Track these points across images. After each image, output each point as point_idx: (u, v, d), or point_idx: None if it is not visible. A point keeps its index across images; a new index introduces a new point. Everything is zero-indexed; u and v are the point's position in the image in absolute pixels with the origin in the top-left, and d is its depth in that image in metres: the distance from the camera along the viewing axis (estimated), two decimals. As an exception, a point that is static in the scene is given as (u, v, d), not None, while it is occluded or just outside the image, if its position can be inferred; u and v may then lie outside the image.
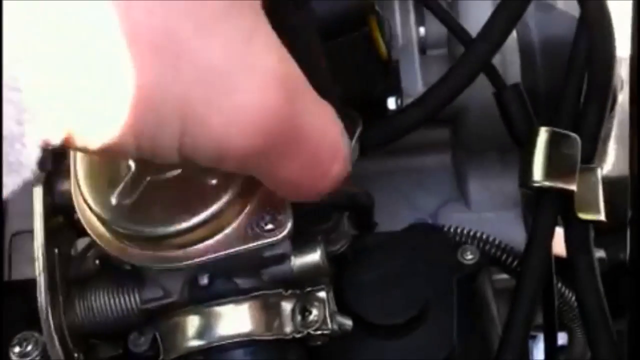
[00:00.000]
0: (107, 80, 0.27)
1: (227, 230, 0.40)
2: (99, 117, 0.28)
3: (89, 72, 0.27)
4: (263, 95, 0.30)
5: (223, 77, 0.29)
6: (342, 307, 0.47)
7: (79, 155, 0.41)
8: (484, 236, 0.62)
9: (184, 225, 0.39)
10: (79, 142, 0.28)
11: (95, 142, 0.29)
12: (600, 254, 0.66)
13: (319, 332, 0.44)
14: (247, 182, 0.39)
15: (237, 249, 0.40)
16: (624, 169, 0.53)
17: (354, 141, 0.45)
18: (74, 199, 0.42)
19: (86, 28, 0.26)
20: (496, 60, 0.52)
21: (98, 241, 0.42)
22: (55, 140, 0.27)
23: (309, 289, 0.45)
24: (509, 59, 0.65)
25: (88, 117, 0.28)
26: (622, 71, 0.62)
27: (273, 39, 0.31)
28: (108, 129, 0.28)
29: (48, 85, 0.26)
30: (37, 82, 0.26)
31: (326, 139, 0.35)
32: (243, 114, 0.30)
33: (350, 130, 0.42)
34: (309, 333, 0.44)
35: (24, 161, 0.25)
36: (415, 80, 0.67)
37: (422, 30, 0.69)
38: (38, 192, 0.43)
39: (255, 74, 0.30)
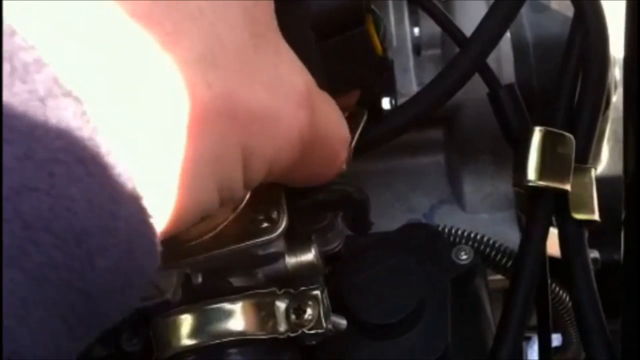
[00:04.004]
0: (179, 153, 0.27)
1: (221, 229, 0.40)
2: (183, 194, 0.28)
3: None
4: (298, 116, 0.33)
5: (270, 112, 0.31)
6: (337, 306, 0.46)
7: None
8: (478, 236, 0.62)
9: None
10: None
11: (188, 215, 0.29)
12: (594, 254, 0.66)
13: (313, 332, 0.44)
14: None
15: (231, 247, 0.40)
16: (618, 169, 0.53)
17: (358, 132, 0.46)
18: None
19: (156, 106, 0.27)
20: (490, 60, 0.52)
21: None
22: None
23: (303, 288, 0.45)
24: (503, 59, 0.65)
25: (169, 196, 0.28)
26: (616, 71, 0.62)
27: (291, 55, 0.34)
28: (197, 200, 0.29)
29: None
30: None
31: (338, 132, 0.37)
32: (287, 137, 0.32)
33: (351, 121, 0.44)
34: (303, 332, 0.44)
35: None
36: (410, 81, 0.68)
37: (416, 30, 0.69)
38: None
39: (289, 98, 0.32)
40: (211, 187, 0.29)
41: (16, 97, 0.22)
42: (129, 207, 0.24)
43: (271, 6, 0.33)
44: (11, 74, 0.22)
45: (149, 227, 0.26)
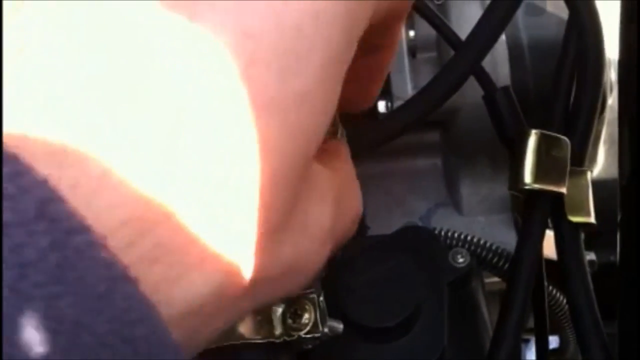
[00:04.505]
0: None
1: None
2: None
3: None
4: (322, 253, 0.32)
5: (296, 265, 0.30)
6: (333, 310, 0.46)
7: None
8: (475, 239, 0.62)
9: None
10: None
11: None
12: (590, 256, 0.66)
13: (309, 336, 0.44)
14: None
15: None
16: (614, 171, 0.53)
17: None
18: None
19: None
20: (486, 62, 0.52)
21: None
22: None
23: (299, 292, 0.45)
24: (499, 62, 0.65)
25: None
26: (612, 73, 0.62)
27: (319, 183, 0.32)
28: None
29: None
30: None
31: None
32: (308, 277, 0.32)
33: None
34: (299, 336, 0.44)
35: None
36: (405, 84, 0.67)
37: (411, 33, 0.69)
38: None
39: (314, 240, 0.31)
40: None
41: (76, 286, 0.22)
42: None
43: None
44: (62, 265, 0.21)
45: None
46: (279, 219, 0.27)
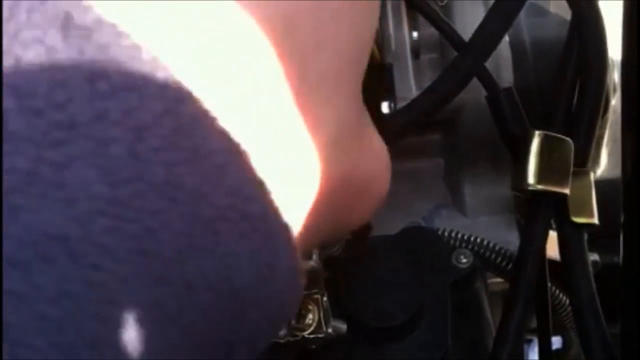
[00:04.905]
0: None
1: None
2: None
3: None
4: (387, 179, 0.33)
5: (370, 182, 0.31)
6: (337, 310, 0.47)
7: None
8: (478, 240, 0.63)
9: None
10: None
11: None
12: (594, 257, 0.67)
13: (313, 336, 0.44)
14: None
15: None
16: (617, 172, 0.53)
17: None
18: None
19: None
20: (489, 63, 0.53)
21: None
22: None
23: (303, 292, 0.45)
24: (501, 63, 0.65)
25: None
26: (615, 74, 0.63)
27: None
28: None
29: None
30: None
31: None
32: (377, 201, 0.33)
33: None
34: (303, 337, 0.44)
35: None
36: (409, 84, 0.68)
37: (415, 34, 0.69)
38: None
39: (382, 164, 0.33)
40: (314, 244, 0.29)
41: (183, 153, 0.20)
42: (287, 259, 0.24)
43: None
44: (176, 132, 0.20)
45: (301, 279, 0.25)
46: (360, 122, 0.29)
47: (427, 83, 0.54)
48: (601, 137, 0.67)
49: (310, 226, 0.26)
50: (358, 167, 0.29)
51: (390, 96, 0.65)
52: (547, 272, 0.55)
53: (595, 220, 0.51)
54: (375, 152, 0.32)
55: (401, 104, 0.65)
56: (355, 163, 0.29)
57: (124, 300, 0.19)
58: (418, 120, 0.51)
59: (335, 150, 0.27)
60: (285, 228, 0.23)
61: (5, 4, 0.19)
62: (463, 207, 0.72)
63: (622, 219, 0.47)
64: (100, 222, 0.19)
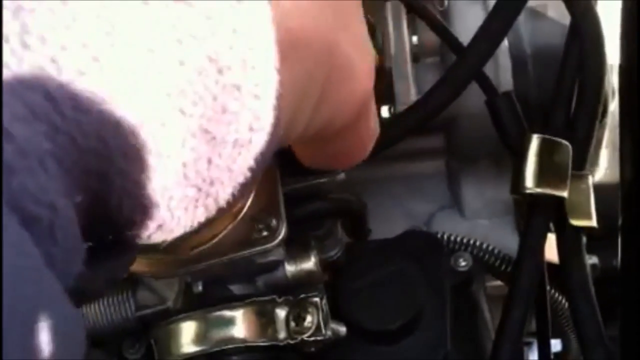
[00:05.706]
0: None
1: (221, 237, 0.40)
2: None
3: None
4: (369, 79, 0.34)
5: (352, 65, 0.33)
6: (336, 313, 0.47)
7: None
8: (477, 243, 0.63)
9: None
10: None
11: None
12: (593, 260, 0.67)
13: (312, 339, 0.44)
14: None
15: (231, 255, 0.40)
16: (615, 176, 0.53)
17: None
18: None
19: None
20: (488, 68, 0.53)
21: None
22: None
23: (302, 295, 0.45)
24: (501, 67, 0.65)
25: None
26: (613, 78, 0.63)
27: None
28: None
29: None
30: None
31: (376, 119, 0.38)
32: (354, 94, 0.34)
33: None
34: (302, 339, 0.44)
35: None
36: (409, 89, 0.68)
37: (414, 38, 0.69)
38: None
39: (366, 60, 0.34)
40: (290, 111, 0.30)
41: None
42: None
43: None
44: None
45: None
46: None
47: (426, 87, 0.54)
48: (600, 141, 0.68)
49: (287, 74, 0.28)
50: (339, 42, 0.31)
51: (390, 100, 0.65)
52: (546, 274, 0.55)
53: (593, 223, 0.51)
54: (359, 46, 0.34)
55: (401, 108, 0.65)
56: (335, 32, 0.31)
57: None
58: (419, 124, 0.52)
59: (322, 11, 0.30)
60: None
61: None
62: (463, 210, 0.72)
63: (620, 222, 0.47)
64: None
